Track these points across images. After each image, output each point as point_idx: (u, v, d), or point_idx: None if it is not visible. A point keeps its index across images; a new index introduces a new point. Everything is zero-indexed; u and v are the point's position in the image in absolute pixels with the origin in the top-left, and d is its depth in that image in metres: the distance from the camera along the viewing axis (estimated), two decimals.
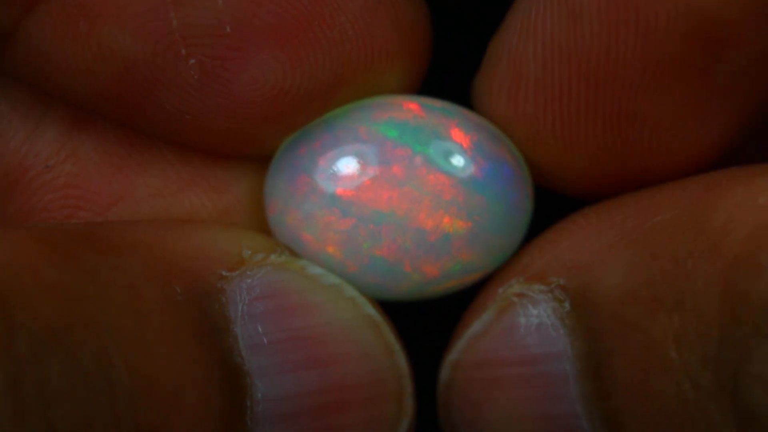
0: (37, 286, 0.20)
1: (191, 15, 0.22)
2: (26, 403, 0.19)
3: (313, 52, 0.23)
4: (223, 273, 0.23)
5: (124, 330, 0.21)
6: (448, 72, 0.26)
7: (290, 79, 0.23)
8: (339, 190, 0.24)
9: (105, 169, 0.25)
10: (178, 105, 0.23)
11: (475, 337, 0.24)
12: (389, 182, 0.23)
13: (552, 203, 0.26)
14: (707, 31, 0.22)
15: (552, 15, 0.23)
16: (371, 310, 0.24)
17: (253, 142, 0.24)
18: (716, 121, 0.23)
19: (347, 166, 0.24)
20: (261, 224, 0.25)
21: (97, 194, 0.25)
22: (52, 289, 0.20)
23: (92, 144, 0.25)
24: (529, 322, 0.23)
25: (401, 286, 0.24)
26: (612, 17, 0.22)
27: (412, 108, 0.24)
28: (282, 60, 0.23)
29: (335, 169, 0.24)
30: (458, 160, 0.24)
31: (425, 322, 0.27)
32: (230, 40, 0.23)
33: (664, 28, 0.22)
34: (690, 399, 0.21)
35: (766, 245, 0.20)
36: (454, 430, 0.24)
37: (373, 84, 0.24)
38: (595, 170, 0.24)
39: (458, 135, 0.24)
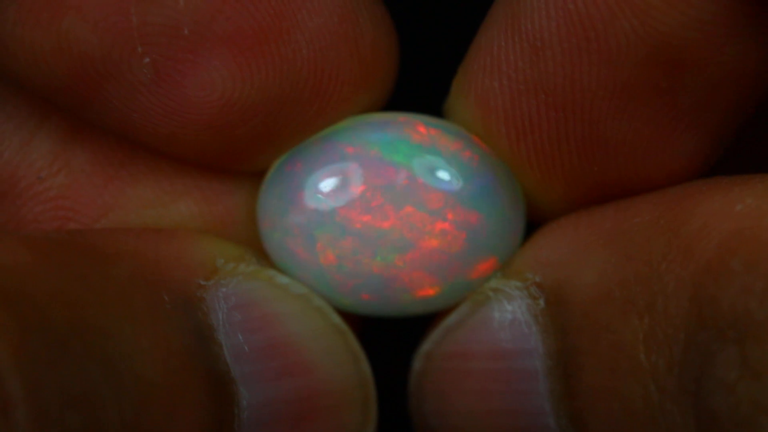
0: (40, 291, 0.20)
1: (151, 14, 0.22)
2: (45, 407, 0.19)
3: (264, 65, 0.23)
4: (201, 282, 0.23)
5: (123, 337, 0.21)
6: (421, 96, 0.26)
7: (239, 89, 0.23)
8: (334, 207, 0.23)
9: (97, 180, 0.25)
10: (127, 102, 0.23)
11: (449, 329, 0.24)
12: (385, 200, 0.23)
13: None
14: (668, 53, 0.22)
15: (514, 49, 0.23)
16: (337, 319, 0.24)
17: (194, 150, 0.24)
18: (687, 142, 0.23)
19: (343, 182, 0.24)
20: (253, 236, 0.25)
21: (88, 205, 0.25)
22: (55, 295, 0.20)
23: (86, 155, 0.25)
24: (503, 317, 0.23)
25: (396, 303, 0.24)
26: (573, 46, 0.22)
27: (410, 125, 0.24)
28: (233, 69, 0.23)
29: (331, 186, 0.24)
30: (456, 179, 0.24)
31: (383, 329, 0.28)
32: (186, 43, 0.23)
33: (626, 54, 0.22)
34: (655, 402, 0.21)
35: (738, 251, 0.20)
36: (423, 420, 0.24)
37: (326, 107, 0.24)
38: (573, 197, 0.24)
39: (456, 153, 0.24)
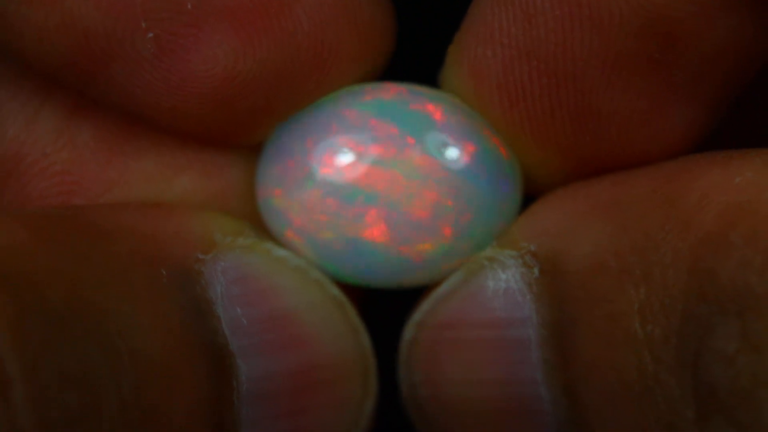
0: (38, 271, 0.20)
1: None
2: (44, 388, 0.19)
3: (266, 39, 0.23)
4: (199, 256, 0.23)
5: (122, 315, 0.21)
6: (416, 67, 0.26)
7: (241, 63, 0.23)
8: (325, 172, 0.23)
9: (101, 155, 0.25)
10: (130, 77, 0.23)
11: (441, 298, 0.24)
12: (377, 165, 0.23)
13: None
14: (661, 26, 0.22)
15: (507, 17, 0.23)
16: (335, 291, 0.24)
17: (196, 124, 0.24)
18: (681, 115, 0.23)
19: (335, 148, 0.23)
20: (253, 209, 0.25)
21: (92, 181, 0.25)
22: (53, 274, 0.20)
23: (90, 131, 0.25)
24: (497, 286, 0.23)
25: (387, 270, 0.24)
26: (566, 15, 0.22)
27: (401, 93, 0.24)
28: (235, 43, 0.23)
29: (322, 152, 0.24)
30: (447, 146, 0.24)
31: (382, 301, 0.28)
32: (189, 18, 0.22)
33: (618, 25, 0.22)
34: (650, 373, 0.21)
35: (738, 224, 0.20)
36: (413, 390, 0.24)
37: (325, 79, 0.24)
38: (569, 169, 0.24)
39: (447, 121, 0.24)
